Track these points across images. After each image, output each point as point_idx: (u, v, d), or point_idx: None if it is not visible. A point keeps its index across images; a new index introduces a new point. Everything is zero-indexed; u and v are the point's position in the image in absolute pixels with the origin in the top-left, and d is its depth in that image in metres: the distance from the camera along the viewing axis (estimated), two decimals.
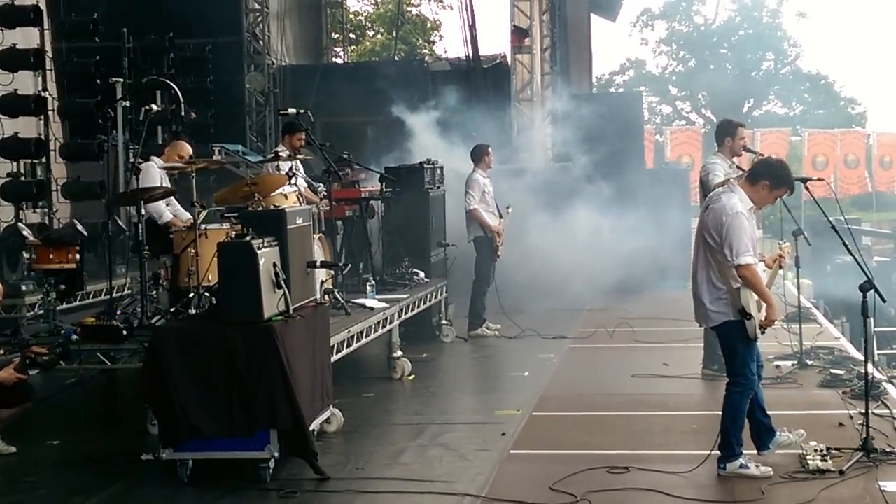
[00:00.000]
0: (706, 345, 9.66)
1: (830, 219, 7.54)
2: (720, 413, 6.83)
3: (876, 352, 17.52)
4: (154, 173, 9.15)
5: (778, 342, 10.72)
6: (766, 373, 9.43)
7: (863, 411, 7.00)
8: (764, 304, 6.67)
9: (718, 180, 8.95)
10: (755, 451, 6.95)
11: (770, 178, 6.74)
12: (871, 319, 6.99)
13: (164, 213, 9.18)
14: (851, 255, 7.10)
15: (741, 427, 6.80)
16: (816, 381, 9.23)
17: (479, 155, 12.53)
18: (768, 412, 7.05)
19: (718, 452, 6.74)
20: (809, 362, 9.81)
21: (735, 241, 6.53)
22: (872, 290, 6.84)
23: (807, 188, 8.57)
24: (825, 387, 9.01)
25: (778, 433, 7.04)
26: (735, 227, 6.55)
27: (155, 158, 9.39)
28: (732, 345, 6.77)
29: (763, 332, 6.80)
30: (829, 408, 8.29)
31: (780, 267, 7.03)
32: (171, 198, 9.35)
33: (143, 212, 8.31)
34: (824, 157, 29.48)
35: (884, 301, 6.98)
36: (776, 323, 6.94)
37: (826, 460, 6.62)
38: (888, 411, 7.92)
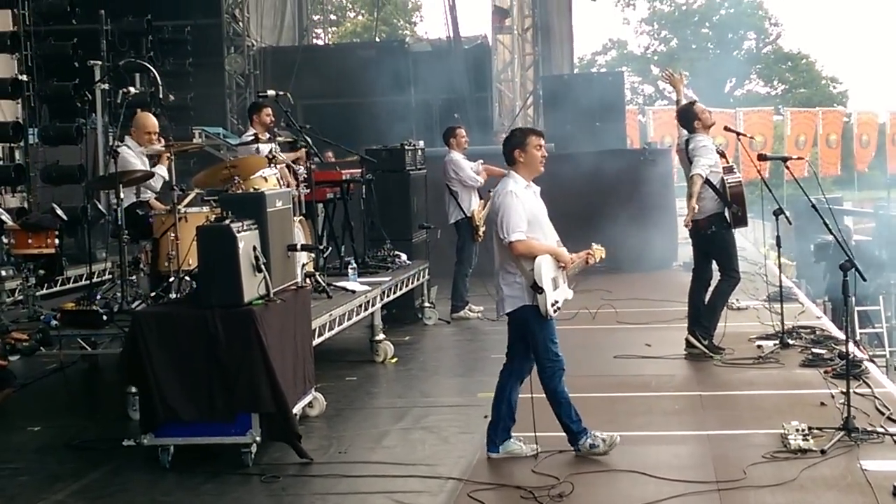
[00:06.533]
0: (691, 307, 9.67)
1: (811, 198, 7.56)
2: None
3: (857, 331, 17.64)
4: (130, 158, 8.84)
5: (760, 322, 10.76)
6: (748, 352, 9.53)
7: (844, 391, 7.01)
8: (557, 276, 6.63)
9: (702, 170, 8.97)
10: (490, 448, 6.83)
11: (515, 145, 6.80)
12: (852, 299, 6.98)
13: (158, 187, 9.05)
14: (832, 234, 7.10)
15: (567, 405, 6.73)
16: (798, 360, 9.23)
17: (448, 136, 12.36)
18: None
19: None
20: (791, 342, 9.81)
21: (506, 220, 6.59)
22: (853, 270, 6.85)
23: (787, 167, 8.59)
24: (807, 366, 9.01)
25: (513, 440, 6.86)
26: (506, 206, 6.62)
27: (129, 141, 9.11)
28: (531, 329, 6.69)
29: (577, 271, 6.74)
30: (810, 387, 8.30)
31: (587, 263, 6.85)
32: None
33: (121, 196, 8.24)
34: (805, 136, 29.56)
35: (864, 280, 7.00)
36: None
37: (808, 440, 6.63)
38: (869, 390, 7.93)
